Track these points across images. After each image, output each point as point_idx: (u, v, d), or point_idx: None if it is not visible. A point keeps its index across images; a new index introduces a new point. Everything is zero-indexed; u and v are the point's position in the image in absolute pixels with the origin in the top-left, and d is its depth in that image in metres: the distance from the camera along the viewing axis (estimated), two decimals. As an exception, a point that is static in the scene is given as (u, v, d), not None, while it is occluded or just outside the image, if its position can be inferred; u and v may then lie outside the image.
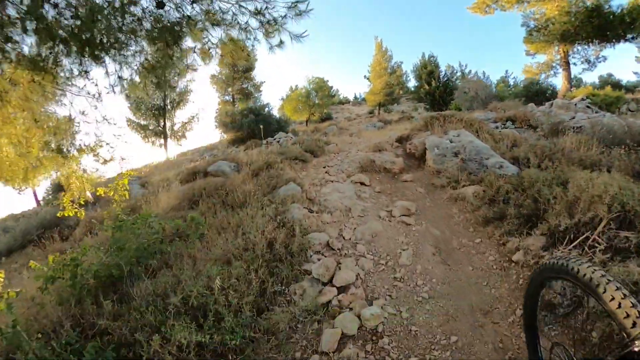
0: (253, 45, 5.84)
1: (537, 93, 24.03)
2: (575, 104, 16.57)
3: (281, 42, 5.67)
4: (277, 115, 23.98)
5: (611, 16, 19.09)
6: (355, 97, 55.13)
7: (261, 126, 17.63)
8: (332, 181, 9.16)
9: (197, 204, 8.96)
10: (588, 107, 16.31)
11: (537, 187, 6.14)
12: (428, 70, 31.08)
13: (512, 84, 44.17)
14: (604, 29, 19.68)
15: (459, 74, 32.97)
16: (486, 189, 7.25)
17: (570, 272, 1.92)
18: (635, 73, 33.26)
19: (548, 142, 9.14)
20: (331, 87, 45.81)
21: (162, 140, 28.06)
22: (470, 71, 35.41)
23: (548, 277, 2.34)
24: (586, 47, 23.09)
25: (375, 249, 5.92)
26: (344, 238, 6.38)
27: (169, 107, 28.14)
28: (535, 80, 27.21)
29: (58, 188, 17.55)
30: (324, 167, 11.07)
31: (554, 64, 25.41)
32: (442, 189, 8.27)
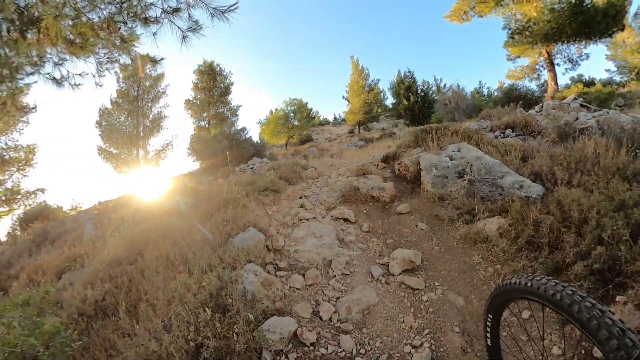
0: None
1: (517, 98, 22.26)
2: (569, 104, 14.77)
3: (197, 23, 3.40)
4: (255, 140, 21.76)
5: (593, 11, 17.56)
6: (335, 118, 53.20)
7: (227, 153, 15.29)
8: (307, 219, 6.87)
9: (143, 255, 6.67)
10: (582, 105, 14.55)
11: (593, 218, 3.96)
12: (406, 85, 29.31)
13: (486, 93, 42.39)
14: (587, 25, 18.05)
15: (434, 88, 31.55)
16: (515, 223, 5.01)
17: (537, 292, 1.74)
18: (607, 70, 31.97)
19: (564, 150, 7.01)
20: (310, 109, 43.95)
21: (134, 169, 25.49)
22: (445, 84, 34.12)
23: (510, 299, 2.09)
24: (569, 45, 21.39)
25: (370, 343, 3.60)
26: (320, 319, 4.07)
27: (141, 134, 25.60)
28: (514, 86, 25.64)
29: None
30: (300, 198, 8.77)
31: (537, 66, 24.02)
32: (450, 224, 5.99)
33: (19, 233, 18.00)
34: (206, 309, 3.81)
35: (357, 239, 6.11)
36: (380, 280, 4.73)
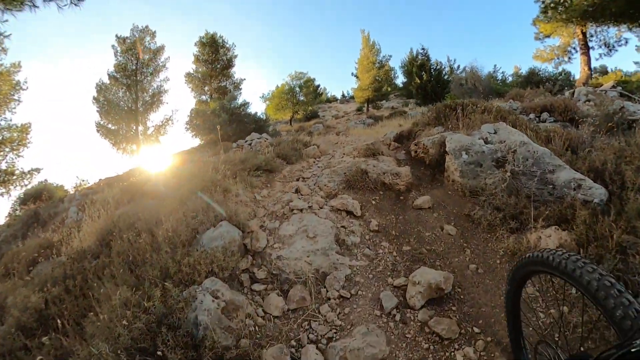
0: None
1: (539, 82, 20.15)
2: (606, 92, 12.94)
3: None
4: (257, 114, 20.01)
5: None
6: (343, 95, 50.72)
7: (218, 127, 13.61)
8: (301, 209, 5.26)
9: (111, 247, 5.25)
10: (621, 95, 12.71)
11: None
12: (419, 63, 27.27)
13: (500, 78, 40.01)
14: (634, 4, 14.95)
15: (447, 69, 29.50)
16: (582, 239, 3.47)
17: (558, 267, 1.66)
18: (636, 63, 29.31)
19: (625, 143, 5.45)
20: (318, 86, 41.91)
21: (134, 146, 23.85)
22: (459, 66, 31.95)
23: (532, 271, 2.00)
24: (608, 28, 18.47)
25: None
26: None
27: (141, 109, 23.90)
28: (535, 69, 23.37)
29: None
30: (297, 180, 7.19)
31: (569, 48, 20.71)
32: (489, 231, 4.39)
33: (19, 214, 16.80)
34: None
35: (362, 241, 4.53)
36: (394, 316, 3.14)
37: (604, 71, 28.14)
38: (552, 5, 17.68)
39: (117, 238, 5.20)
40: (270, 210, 5.52)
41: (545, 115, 8.59)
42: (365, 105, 30.90)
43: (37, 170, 18.65)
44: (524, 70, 28.14)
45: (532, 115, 8.69)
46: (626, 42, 19.94)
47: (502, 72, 38.79)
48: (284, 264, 3.96)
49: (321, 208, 5.38)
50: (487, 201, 4.85)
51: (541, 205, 4.54)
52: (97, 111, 22.79)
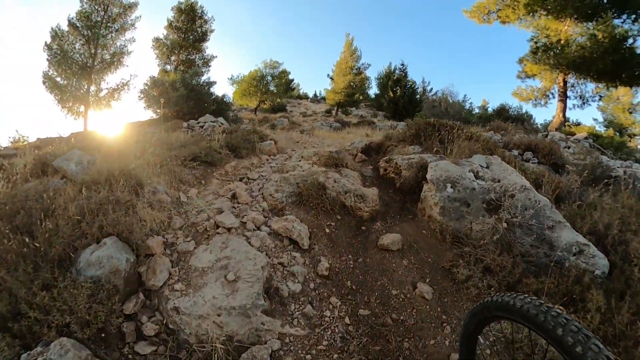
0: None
1: (507, 119, 19.74)
2: (579, 141, 12.47)
3: None
4: (221, 97, 18.08)
5: (629, 54, 14.68)
6: (315, 95, 48.90)
7: (162, 101, 11.79)
8: (229, 228, 3.82)
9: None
10: (593, 147, 12.30)
11: None
12: (395, 78, 26.60)
13: (467, 107, 40.41)
14: (620, 67, 15.16)
15: (420, 89, 29.05)
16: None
17: (520, 311, 1.52)
18: (595, 119, 30.04)
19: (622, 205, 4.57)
20: (292, 80, 40.23)
21: (82, 108, 21.05)
22: (432, 89, 31.67)
23: (491, 317, 1.84)
24: (586, 82, 18.42)
25: None
26: None
27: (97, 67, 21.19)
28: (506, 106, 23.15)
29: None
30: (241, 180, 5.74)
31: (548, 93, 20.21)
32: (478, 300, 3.14)
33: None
34: None
35: (304, 291, 3.16)
36: None
37: (576, 123, 28.64)
38: (543, 48, 17.20)
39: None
40: (191, 221, 4.04)
41: (528, 154, 7.61)
42: (335, 108, 29.66)
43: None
44: (491, 105, 28.18)
45: (515, 152, 7.70)
46: (600, 98, 20.01)
47: (470, 103, 39.08)
48: (184, 321, 2.53)
49: (257, 229, 3.95)
50: (474, 255, 3.65)
51: (539, 271, 3.45)
52: (48, 60, 19.77)
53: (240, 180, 5.78)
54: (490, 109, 27.24)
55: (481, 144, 5.85)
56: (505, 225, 3.83)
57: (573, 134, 14.68)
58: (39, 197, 3.89)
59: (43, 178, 5.42)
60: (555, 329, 1.33)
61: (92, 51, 20.87)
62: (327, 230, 4.08)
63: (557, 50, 16.30)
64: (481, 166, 4.73)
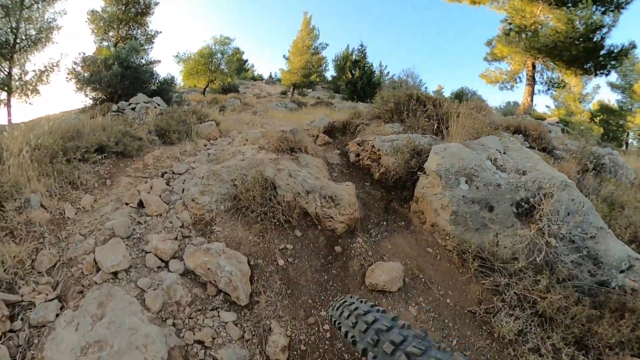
0: None
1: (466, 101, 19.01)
2: (551, 125, 11.68)
3: None
4: (162, 76, 15.68)
5: (599, 45, 14.33)
6: (270, 77, 46.11)
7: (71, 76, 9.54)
8: (115, 273, 2.18)
9: None
10: (563, 131, 11.56)
11: None
12: (354, 59, 25.39)
13: (423, 90, 40.20)
14: (589, 56, 14.67)
15: (377, 72, 28.01)
16: None
17: None
18: (547, 107, 30.36)
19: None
20: (246, 61, 37.60)
21: (3, 95, 17.43)
22: (388, 72, 30.73)
23: None
24: (554, 68, 17.45)
25: None
26: None
27: (22, 44, 17.69)
28: (465, 90, 22.44)
29: None
30: (162, 176, 3.97)
31: (516, 76, 18.93)
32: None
33: None
34: None
35: None
36: None
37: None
38: (516, 30, 16.33)
39: None
40: (67, 255, 2.35)
41: (520, 137, 6.32)
42: (291, 89, 27.77)
43: None
44: (446, 90, 27.90)
45: (505, 135, 6.41)
46: (564, 85, 19.29)
47: (425, 88, 38.72)
48: None
49: (164, 266, 2.30)
50: (513, 289, 2.23)
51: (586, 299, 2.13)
52: None
53: (162, 175, 4.01)
54: (446, 94, 26.65)
55: (477, 124, 4.38)
56: (546, 239, 2.41)
57: (542, 119, 13.90)
58: None
59: None
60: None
61: (13, 25, 17.29)
62: (281, 262, 2.44)
63: (530, 34, 15.49)
64: (499, 152, 3.25)
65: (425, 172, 3.11)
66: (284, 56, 28.80)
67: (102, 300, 1.94)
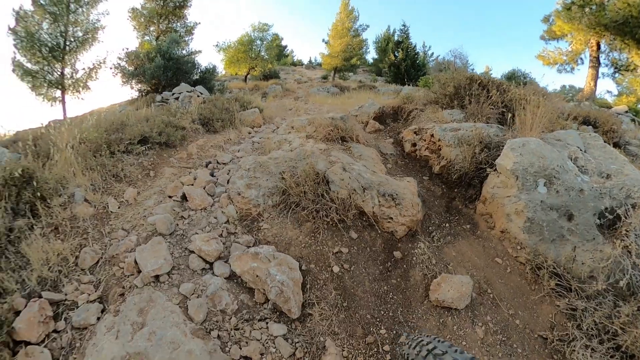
0: None
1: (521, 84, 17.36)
2: (617, 115, 10.57)
3: None
4: (204, 66, 15.80)
5: None
6: (310, 62, 45.73)
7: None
8: (157, 276, 2.04)
9: None
10: (633, 122, 10.42)
11: None
12: (397, 40, 24.48)
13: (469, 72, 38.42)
14: None
15: (420, 54, 26.89)
16: None
17: None
18: (609, 92, 27.16)
19: None
20: (285, 46, 37.42)
21: (58, 93, 18.56)
22: (432, 53, 29.47)
23: None
24: (622, 47, 14.80)
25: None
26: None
27: (71, 46, 18.57)
28: (517, 72, 20.81)
29: None
30: (206, 166, 3.82)
31: (577, 58, 16.67)
32: None
33: None
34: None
35: None
36: None
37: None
38: (580, 3, 14.39)
39: None
40: (109, 252, 2.26)
41: (589, 129, 5.68)
42: (332, 73, 27.33)
43: None
44: (495, 72, 26.07)
45: (574, 126, 5.80)
46: (634, 68, 16.56)
47: (472, 69, 36.79)
48: None
49: (208, 268, 2.14)
50: (591, 315, 1.92)
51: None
52: (14, 45, 17.35)
53: (206, 166, 3.88)
54: (496, 76, 25.12)
55: (546, 116, 3.88)
56: (636, 260, 2.03)
57: (608, 107, 12.41)
58: None
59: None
60: None
61: (62, 30, 18.23)
62: (336, 269, 2.21)
63: (595, 8, 13.57)
64: (580, 149, 2.82)
65: (496, 170, 2.76)
66: (323, 40, 28.30)
67: (142, 307, 1.79)
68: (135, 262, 2.10)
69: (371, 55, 31.30)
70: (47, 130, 5.54)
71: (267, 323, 1.87)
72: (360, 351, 1.82)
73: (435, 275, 2.26)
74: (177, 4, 23.37)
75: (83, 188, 2.93)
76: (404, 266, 2.33)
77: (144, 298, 1.85)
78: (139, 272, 2.07)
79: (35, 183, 2.59)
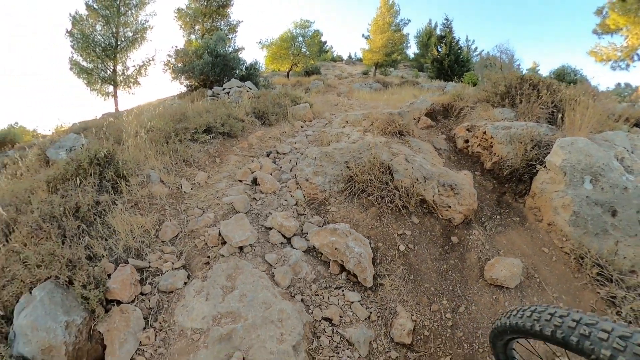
0: None
1: (570, 83, 16.58)
2: None
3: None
4: (249, 62, 16.38)
5: None
6: (350, 57, 45.72)
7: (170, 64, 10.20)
8: (241, 247, 2.40)
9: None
10: None
11: None
12: (440, 34, 24.02)
13: (515, 68, 36.85)
14: None
15: (464, 49, 26.24)
16: None
17: (534, 333, 1.24)
18: None
19: None
20: (325, 42, 37.61)
21: (110, 88, 20.14)
22: (476, 48, 28.71)
23: (510, 339, 1.51)
24: None
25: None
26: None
27: (122, 45, 20.05)
28: (566, 69, 19.86)
29: None
30: (268, 156, 4.22)
31: (634, 54, 15.37)
32: None
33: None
34: None
35: None
36: None
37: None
38: None
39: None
40: (189, 227, 2.64)
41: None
42: (373, 69, 27.23)
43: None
44: (543, 69, 25.06)
45: (625, 128, 5.75)
46: None
47: (518, 65, 35.40)
48: None
49: (287, 242, 2.50)
50: (630, 303, 2.13)
51: None
52: (71, 46, 18.95)
53: (268, 155, 4.28)
54: (543, 72, 24.29)
55: (597, 116, 3.98)
56: None
57: None
58: (10, 202, 2.69)
59: (45, 170, 4.27)
60: (579, 345, 1.04)
61: (114, 31, 19.71)
62: (402, 247, 2.52)
63: None
64: (627, 150, 2.98)
65: (545, 166, 2.96)
66: (363, 35, 28.28)
67: (230, 273, 2.14)
68: (219, 234, 2.47)
69: (412, 50, 31.03)
70: (116, 119, 6.13)
71: (342, 291, 2.19)
72: (426, 317, 2.11)
73: (488, 258, 2.52)
74: (221, 3, 24.22)
75: (157, 170, 3.38)
76: (461, 250, 2.60)
77: (231, 265, 2.20)
78: (224, 243, 2.43)
79: (118, 163, 3.03)
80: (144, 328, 1.83)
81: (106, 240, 2.31)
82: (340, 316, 2.04)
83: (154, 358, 1.68)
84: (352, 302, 2.11)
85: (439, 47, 23.18)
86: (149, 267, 2.26)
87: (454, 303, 2.20)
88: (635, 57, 15.65)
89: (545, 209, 2.87)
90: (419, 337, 2.01)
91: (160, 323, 1.87)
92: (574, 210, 2.61)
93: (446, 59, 21.85)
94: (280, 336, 1.70)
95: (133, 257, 2.30)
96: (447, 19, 25.24)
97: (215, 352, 1.63)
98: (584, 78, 18.57)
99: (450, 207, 2.80)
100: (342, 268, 2.29)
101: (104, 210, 2.56)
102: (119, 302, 1.95)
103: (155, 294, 2.06)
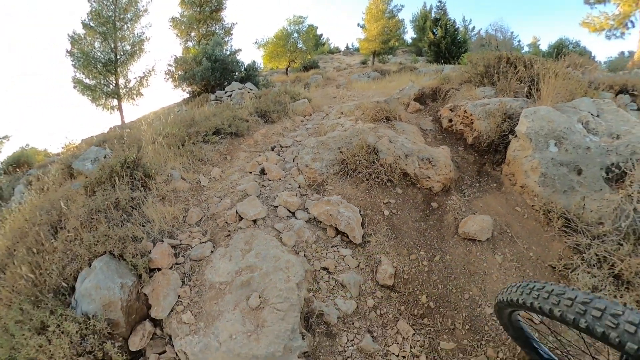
0: None
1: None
2: None
3: None
4: (248, 63, 16.87)
5: None
6: (347, 47, 45.60)
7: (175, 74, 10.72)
8: (254, 220, 2.91)
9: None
10: None
11: None
12: (435, 17, 24.18)
13: (515, 46, 36.67)
14: None
15: (461, 29, 26.33)
16: None
17: (532, 306, 1.35)
18: None
19: None
20: (320, 35, 37.91)
21: (114, 102, 20.82)
22: (474, 27, 28.78)
23: (512, 312, 1.71)
24: None
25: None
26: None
27: (122, 59, 20.68)
28: (564, 42, 20.00)
29: None
30: (272, 149, 4.73)
31: (627, 21, 15.62)
32: None
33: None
34: None
35: (359, 312, 2.25)
36: None
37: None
38: None
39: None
40: (211, 211, 3.17)
41: (625, 98, 6.00)
42: (371, 58, 27.52)
43: (6, 137, 17.59)
44: (543, 42, 25.08)
45: (607, 95, 6.12)
46: None
47: (518, 41, 35.16)
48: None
49: (292, 215, 3.00)
50: (595, 250, 2.50)
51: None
52: (72, 65, 19.56)
53: (272, 149, 4.79)
54: (543, 47, 24.37)
55: (572, 84, 4.41)
56: (636, 205, 2.60)
57: None
58: (51, 208, 3.22)
59: (70, 181, 4.87)
60: (577, 321, 1.13)
61: (112, 46, 20.28)
62: (386, 212, 3.01)
63: None
64: (591, 114, 3.41)
65: (516, 136, 3.41)
66: (358, 24, 28.57)
67: (247, 239, 2.64)
68: (237, 213, 2.98)
69: (409, 35, 31.37)
70: (132, 130, 6.71)
71: (337, 248, 2.70)
72: (405, 264, 2.60)
73: (464, 217, 2.98)
74: (213, 7, 24.73)
75: (177, 169, 3.92)
76: (439, 213, 3.07)
77: (247, 234, 2.70)
78: (240, 219, 2.93)
79: (145, 165, 3.58)
80: (181, 286, 2.34)
81: (143, 226, 2.81)
82: (335, 266, 2.55)
83: (190, 305, 2.18)
84: (344, 256, 2.62)
85: (434, 30, 23.36)
86: (180, 244, 2.77)
87: (431, 254, 2.68)
88: (630, 25, 15.72)
89: (518, 173, 3.32)
90: (399, 280, 2.50)
91: (193, 281, 2.37)
92: (542, 172, 3.05)
93: (442, 42, 22.07)
94: (287, 278, 2.20)
95: (167, 238, 2.80)
96: (440, 1, 25.39)
97: (238, 295, 2.14)
98: (582, 50, 18.69)
99: (429, 177, 3.28)
100: (337, 231, 2.80)
101: (138, 203, 3.08)
102: (159, 270, 2.46)
103: (188, 262, 2.56)
